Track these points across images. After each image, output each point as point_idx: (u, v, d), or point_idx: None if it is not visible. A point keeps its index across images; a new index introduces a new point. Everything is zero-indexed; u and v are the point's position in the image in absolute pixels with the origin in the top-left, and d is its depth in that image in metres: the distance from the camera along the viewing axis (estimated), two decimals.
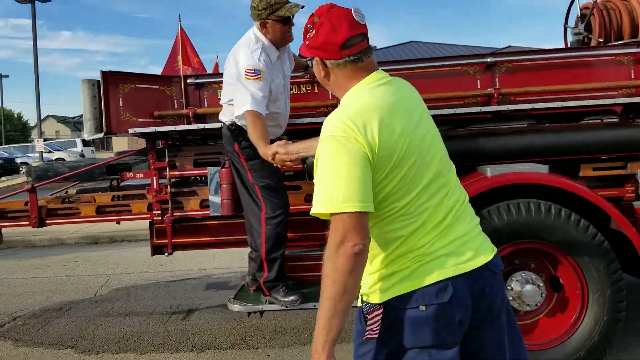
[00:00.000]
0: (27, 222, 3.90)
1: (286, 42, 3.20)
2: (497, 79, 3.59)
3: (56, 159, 24.79)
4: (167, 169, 3.71)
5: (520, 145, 3.35)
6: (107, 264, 6.95)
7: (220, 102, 3.39)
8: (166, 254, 3.85)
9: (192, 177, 3.91)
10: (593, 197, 3.01)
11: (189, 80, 3.82)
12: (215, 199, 3.55)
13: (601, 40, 4.08)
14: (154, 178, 3.72)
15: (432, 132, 1.57)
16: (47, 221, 3.91)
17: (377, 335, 1.41)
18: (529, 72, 3.61)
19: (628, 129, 3.43)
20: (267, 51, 3.08)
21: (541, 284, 2.99)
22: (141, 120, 3.70)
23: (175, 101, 3.82)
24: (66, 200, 4.18)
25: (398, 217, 1.44)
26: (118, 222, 4.26)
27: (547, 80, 3.55)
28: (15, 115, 53.39)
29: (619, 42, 3.94)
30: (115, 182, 4.36)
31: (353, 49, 1.52)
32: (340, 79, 1.55)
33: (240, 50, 3.09)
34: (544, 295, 3.00)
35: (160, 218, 3.73)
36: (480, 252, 1.49)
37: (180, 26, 4.50)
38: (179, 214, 3.72)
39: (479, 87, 3.60)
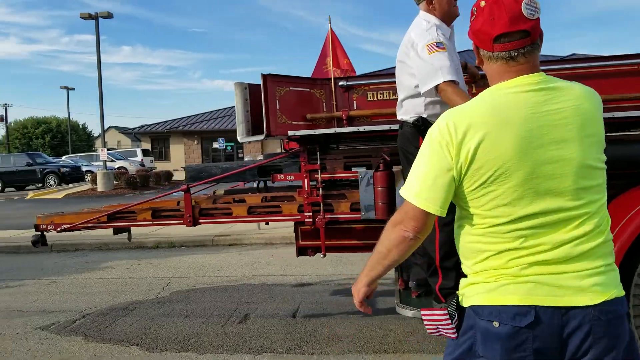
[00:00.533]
0: (182, 221, 4.12)
1: (454, 16, 3.09)
2: None
3: (118, 168, 25.96)
4: (319, 171, 3.76)
5: None
6: (167, 267, 7.25)
7: (399, 100, 3.21)
8: (321, 255, 3.96)
9: (339, 180, 3.99)
10: None
11: (340, 83, 3.82)
12: (367, 201, 3.59)
13: None
14: (305, 180, 3.78)
15: (578, 158, 1.37)
16: (200, 220, 4.11)
17: (455, 336, 1.48)
18: None
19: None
20: (440, 29, 2.97)
21: None
22: (294, 122, 3.76)
23: (324, 104, 3.84)
24: (215, 201, 4.40)
25: (489, 233, 1.41)
26: (267, 223, 4.48)
27: None
28: (80, 125, 56.20)
29: None
30: (259, 184, 4.58)
31: (506, 45, 1.38)
32: (491, 71, 1.46)
33: (413, 34, 3.01)
34: None
35: (311, 220, 3.80)
36: (589, 291, 1.35)
37: (330, 27, 4.44)
38: (329, 216, 3.79)
39: None
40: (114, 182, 21.19)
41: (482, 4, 1.41)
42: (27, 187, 24.62)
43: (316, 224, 3.79)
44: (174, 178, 24.77)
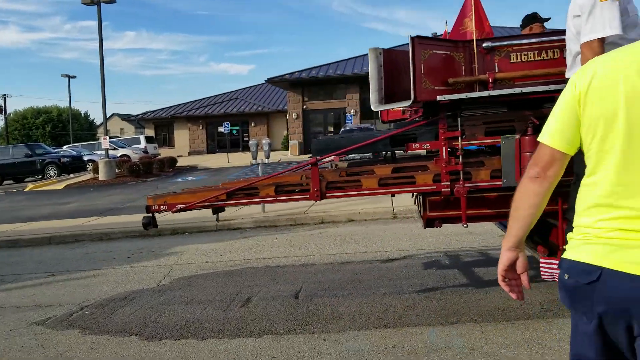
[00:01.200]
0: (308, 196, 3.99)
1: None
2: None
3: (121, 156, 25.80)
4: (459, 138, 3.61)
5: None
6: (169, 255, 7.11)
7: (567, 59, 3.09)
8: (464, 225, 3.84)
9: (477, 147, 3.93)
10: None
11: (484, 44, 3.61)
12: (510, 168, 3.48)
13: None
14: (444, 148, 3.63)
15: None
16: (328, 194, 3.97)
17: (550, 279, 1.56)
18: None
19: None
20: None
21: None
22: (437, 88, 3.53)
23: (463, 67, 3.64)
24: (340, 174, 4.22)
25: (585, 186, 1.44)
26: (393, 195, 4.56)
27: None
28: (82, 114, 55.97)
29: None
30: (386, 154, 4.54)
31: None
32: None
33: None
34: None
35: (448, 189, 3.67)
36: None
37: None
38: (468, 184, 3.65)
39: None
40: (117, 171, 21.01)
41: None
42: (27, 179, 24.46)
43: (455, 192, 3.66)
44: (178, 164, 24.61)
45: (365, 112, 28.21)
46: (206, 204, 4.21)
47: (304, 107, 30.03)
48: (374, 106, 3.74)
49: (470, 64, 3.58)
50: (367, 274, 5.34)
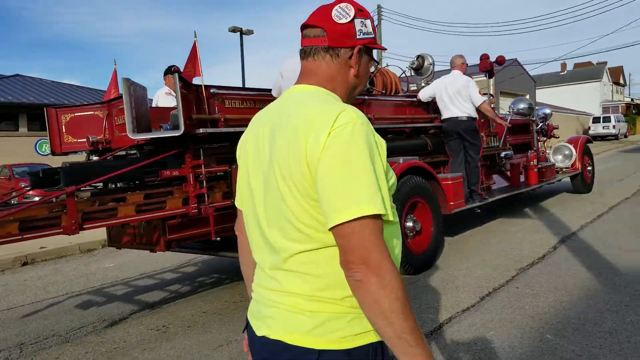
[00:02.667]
0: (62, 230, 3.62)
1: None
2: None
3: None
4: (202, 166, 4.21)
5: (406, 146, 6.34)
6: None
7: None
8: (217, 239, 4.37)
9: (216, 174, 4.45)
10: (432, 170, 5.80)
11: (211, 90, 4.30)
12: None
13: (383, 92, 6.50)
14: (191, 175, 4.17)
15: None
16: (85, 226, 3.71)
17: None
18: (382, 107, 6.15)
19: (420, 140, 6.63)
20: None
21: (416, 221, 5.40)
22: (188, 122, 4.10)
23: (196, 106, 4.23)
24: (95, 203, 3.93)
25: None
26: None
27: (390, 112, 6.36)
28: None
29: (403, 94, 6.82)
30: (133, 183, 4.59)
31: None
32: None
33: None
34: (417, 227, 5.37)
35: (196, 211, 4.19)
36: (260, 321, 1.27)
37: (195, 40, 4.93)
38: (212, 204, 4.26)
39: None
40: None
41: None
42: None
43: (202, 212, 4.20)
44: None
45: None
46: None
47: None
48: (131, 135, 4.13)
49: (201, 104, 4.22)
50: None
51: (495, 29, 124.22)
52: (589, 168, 10.24)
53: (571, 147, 9.80)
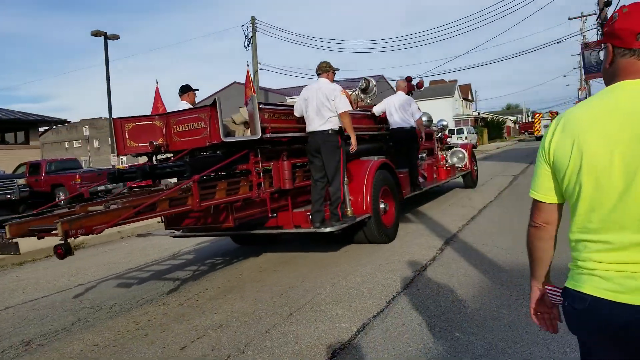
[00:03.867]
0: (191, 206, 5.06)
1: None
2: None
3: None
4: (260, 162, 5.82)
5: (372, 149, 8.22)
6: None
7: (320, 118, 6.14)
8: (274, 215, 6.37)
9: None
10: (393, 166, 7.74)
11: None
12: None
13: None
14: (254, 168, 5.76)
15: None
16: (203, 204, 5.09)
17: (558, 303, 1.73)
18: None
19: (379, 143, 8.69)
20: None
21: (386, 203, 7.23)
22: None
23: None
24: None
25: (574, 223, 1.58)
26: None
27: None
28: None
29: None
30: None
31: None
32: (617, 69, 1.58)
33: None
34: (386, 208, 7.26)
35: (258, 194, 5.75)
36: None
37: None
38: (269, 190, 6.03)
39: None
40: None
41: (625, 10, 1.57)
42: None
43: (260, 196, 5.75)
44: None
45: None
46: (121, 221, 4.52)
47: None
48: (223, 138, 5.41)
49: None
50: None
51: (362, 46, 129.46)
52: (475, 168, 12.84)
53: (464, 151, 12.19)
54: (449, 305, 4.25)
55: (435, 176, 10.76)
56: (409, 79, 9.60)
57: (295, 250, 7.11)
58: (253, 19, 25.90)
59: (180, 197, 5.05)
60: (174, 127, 5.89)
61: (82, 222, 4.18)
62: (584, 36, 35.13)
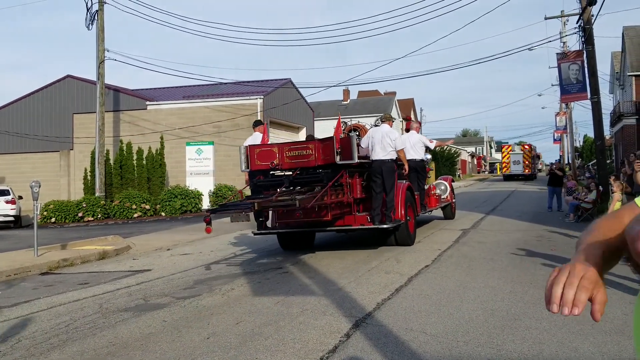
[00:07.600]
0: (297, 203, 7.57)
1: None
2: None
3: None
4: (347, 178, 9.10)
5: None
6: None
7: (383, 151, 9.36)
8: (356, 213, 9.62)
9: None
10: (413, 187, 10.71)
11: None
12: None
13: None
14: (345, 183, 9.03)
15: None
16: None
17: None
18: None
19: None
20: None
21: (409, 216, 9.88)
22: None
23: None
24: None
25: None
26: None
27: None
28: None
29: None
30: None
31: None
32: None
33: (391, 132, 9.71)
34: (409, 219, 9.95)
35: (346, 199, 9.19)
36: None
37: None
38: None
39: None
40: None
41: None
42: None
43: (346, 200, 9.01)
44: None
45: None
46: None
47: None
48: (338, 161, 8.71)
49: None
50: None
51: (262, 36, 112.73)
52: (454, 200, 14.10)
53: (446, 183, 13.58)
54: None
55: (426, 204, 12.17)
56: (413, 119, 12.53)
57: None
58: None
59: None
60: (287, 152, 8.96)
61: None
62: (564, 42, 26.89)
